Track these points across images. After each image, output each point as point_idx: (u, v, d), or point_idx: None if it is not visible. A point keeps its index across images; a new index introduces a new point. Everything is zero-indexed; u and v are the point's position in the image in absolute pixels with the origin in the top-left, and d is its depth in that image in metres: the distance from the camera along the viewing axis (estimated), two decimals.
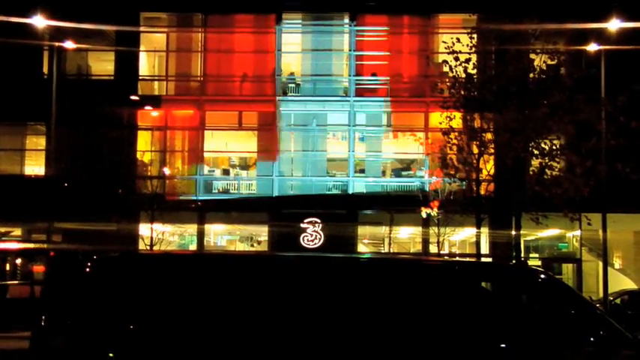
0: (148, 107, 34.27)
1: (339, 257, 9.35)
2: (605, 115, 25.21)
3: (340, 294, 7.19)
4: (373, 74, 34.74)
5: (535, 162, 26.71)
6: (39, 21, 28.30)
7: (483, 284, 7.69)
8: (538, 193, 25.41)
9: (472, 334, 6.92)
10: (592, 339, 6.97)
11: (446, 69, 27.87)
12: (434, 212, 28.85)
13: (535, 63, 26.15)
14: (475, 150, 27.27)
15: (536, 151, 26.00)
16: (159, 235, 31.76)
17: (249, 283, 7.37)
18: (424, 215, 29.17)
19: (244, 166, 36.52)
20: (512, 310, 7.30)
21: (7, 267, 33.07)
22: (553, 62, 26.39)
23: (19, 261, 32.81)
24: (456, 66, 26.48)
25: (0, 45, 30.29)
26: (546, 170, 25.92)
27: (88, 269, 7.45)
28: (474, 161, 27.08)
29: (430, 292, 7.22)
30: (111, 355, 6.96)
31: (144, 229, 32.83)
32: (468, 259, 31.39)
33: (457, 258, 33.33)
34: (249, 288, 7.33)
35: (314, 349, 6.98)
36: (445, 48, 26.44)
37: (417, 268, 7.95)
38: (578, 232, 32.23)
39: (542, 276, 7.75)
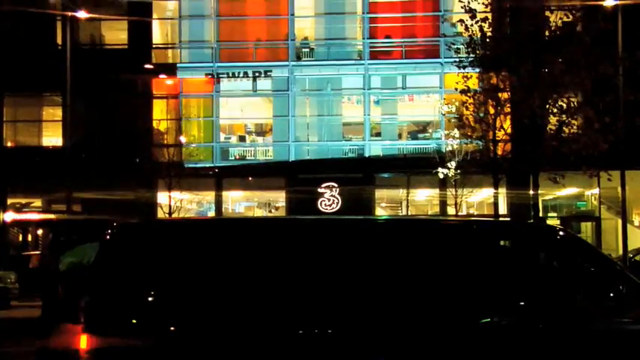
0: (162, 75, 34.26)
1: (360, 219, 9.25)
2: (623, 71, 25.06)
3: (363, 255, 7.06)
4: (387, 36, 34.72)
5: (552, 119, 26.74)
6: None
7: (502, 243, 7.58)
8: (556, 150, 25.44)
9: (492, 293, 6.91)
10: (612, 295, 6.91)
11: (461, 29, 27.71)
12: (451, 172, 28.81)
13: (551, 19, 26.08)
14: (492, 109, 27.37)
15: (553, 109, 26.02)
16: (177, 202, 31.97)
17: (277, 246, 7.21)
18: (441, 176, 29.15)
19: (260, 132, 36.65)
20: (531, 268, 7.21)
21: (29, 238, 33.90)
22: (569, 19, 26.31)
23: (40, 232, 33.51)
24: (471, 25, 26.42)
25: (14, 16, 30.52)
26: (564, 128, 25.91)
27: (109, 236, 7.18)
28: (491, 121, 27.23)
29: (450, 251, 7.12)
30: (134, 321, 6.78)
31: (162, 197, 32.99)
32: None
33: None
34: (276, 252, 7.17)
35: (338, 310, 6.88)
36: (462, 7, 26.24)
37: (436, 228, 7.85)
38: (596, 191, 32.12)
39: (561, 233, 7.67)
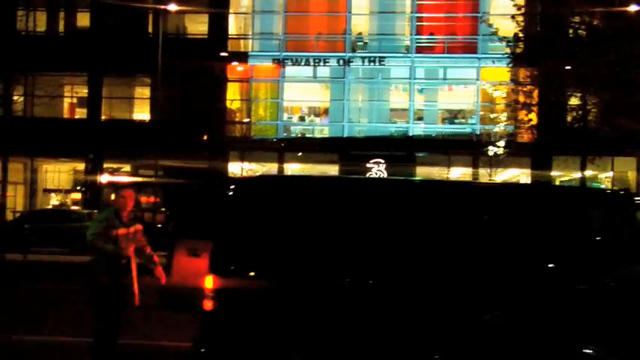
0: (235, 62, 35.31)
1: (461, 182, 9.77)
2: None
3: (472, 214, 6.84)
4: (431, 34, 35.24)
5: (572, 113, 27.78)
6: None
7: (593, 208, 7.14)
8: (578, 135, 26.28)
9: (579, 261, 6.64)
10: None
11: (496, 28, 28.90)
12: (500, 150, 29.82)
13: (575, 20, 26.70)
14: (522, 99, 28.70)
15: (574, 101, 27.06)
16: (246, 172, 33.47)
17: (389, 205, 6.89)
18: (491, 153, 30.12)
19: (317, 113, 37.46)
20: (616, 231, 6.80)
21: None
22: (589, 21, 26.77)
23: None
24: (508, 25, 27.65)
25: (114, 9, 31.86)
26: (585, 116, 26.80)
27: (232, 190, 7.05)
28: (521, 110, 28.37)
29: (545, 216, 6.83)
30: (252, 274, 6.72)
31: (232, 167, 34.53)
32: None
33: None
34: (389, 210, 6.85)
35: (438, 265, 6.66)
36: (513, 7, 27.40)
37: (536, 194, 7.47)
38: (610, 174, 33.04)
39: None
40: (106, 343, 8.13)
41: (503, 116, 30.19)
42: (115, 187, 35.06)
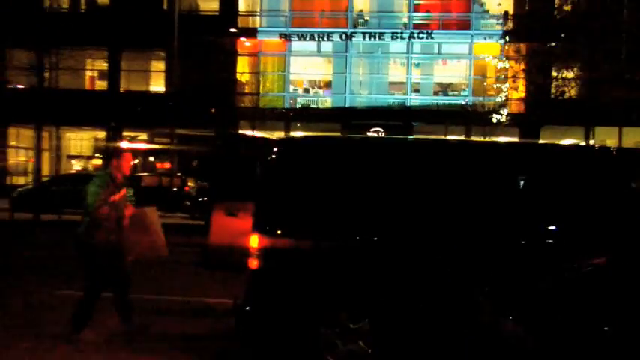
0: (244, 38, 36.45)
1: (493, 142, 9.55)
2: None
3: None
4: (427, 11, 36.22)
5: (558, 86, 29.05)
6: None
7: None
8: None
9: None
10: None
11: (487, 7, 30.22)
12: (503, 118, 30.81)
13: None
14: (510, 73, 30.02)
15: (556, 74, 28.17)
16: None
17: (436, 165, 6.79)
18: (495, 121, 30.88)
19: (321, 86, 38.33)
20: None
21: (140, 163, 37.04)
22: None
23: (151, 158, 36.90)
24: (499, 4, 28.88)
25: None
26: (565, 90, 28.15)
27: (275, 151, 6.86)
28: (510, 83, 29.66)
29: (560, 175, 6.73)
30: (297, 233, 6.63)
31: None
32: None
33: None
34: (435, 169, 6.76)
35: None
36: None
37: (550, 154, 7.16)
38: (591, 142, 34.44)
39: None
40: (95, 298, 7.98)
41: (505, 86, 30.70)
42: (133, 153, 37.22)
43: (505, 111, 31.12)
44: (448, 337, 6.41)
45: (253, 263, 6.66)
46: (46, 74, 31.52)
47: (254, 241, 6.66)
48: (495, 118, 31.00)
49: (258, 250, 6.61)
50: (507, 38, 30.87)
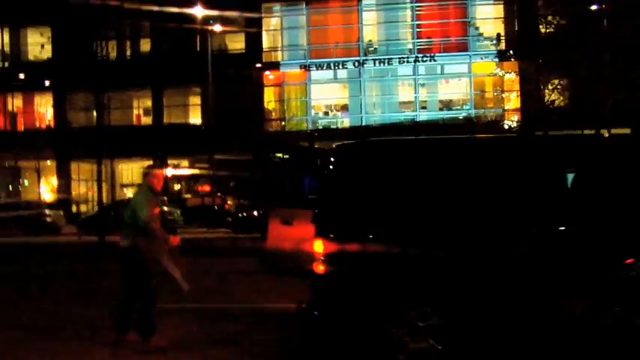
0: (269, 71, 39.00)
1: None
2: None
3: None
4: (429, 37, 38.02)
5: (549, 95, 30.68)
6: (198, 11, 33.90)
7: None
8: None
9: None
10: None
11: (482, 30, 32.91)
12: (514, 124, 32.46)
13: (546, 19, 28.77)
14: (507, 86, 32.73)
15: (550, 87, 29.27)
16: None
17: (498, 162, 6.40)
18: (506, 127, 32.38)
19: (339, 108, 40.25)
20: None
21: (184, 186, 40.30)
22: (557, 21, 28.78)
23: (194, 182, 39.09)
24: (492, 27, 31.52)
25: (168, 34, 36.32)
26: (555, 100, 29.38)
27: (334, 157, 6.59)
28: (505, 97, 32.35)
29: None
30: (371, 236, 6.32)
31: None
32: None
33: None
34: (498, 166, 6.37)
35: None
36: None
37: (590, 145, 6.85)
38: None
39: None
40: (154, 301, 7.74)
41: (512, 95, 32.32)
42: (177, 178, 39.92)
43: (515, 118, 33.31)
44: (524, 333, 6.08)
45: (319, 268, 6.43)
46: (100, 113, 35.15)
47: (318, 246, 6.42)
48: (507, 124, 32.97)
49: (324, 256, 6.37)
50: (501, 57, 33.60)
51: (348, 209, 6.46)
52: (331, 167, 6.65)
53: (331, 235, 6.37)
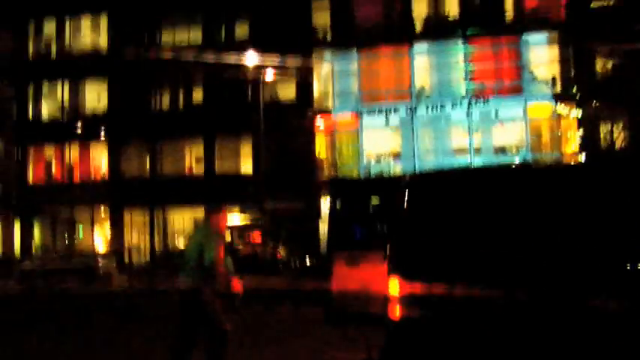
0: (320, 118, 39.29)
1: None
2: None
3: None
4: (481, 82, 37.89)
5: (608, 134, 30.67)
6: (251, 59, 34.70)
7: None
8: None
9: None
10: None
11: (536, 73, 32.48)
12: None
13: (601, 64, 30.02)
14: (563, 131, 32.22)
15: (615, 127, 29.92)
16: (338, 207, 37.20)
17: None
18: None
19: (392, 155, 39.56)
20: None
21: (235, 235, 39.94)
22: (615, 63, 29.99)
23: (245, 230, 39.47)
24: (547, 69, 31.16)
25: (220, 84, 37.31)
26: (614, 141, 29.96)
27: (406, 189, 6.13)
28: (562, 140, 31.90)
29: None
30: (439, 268, 5.84)
31: (324, 207, 37.21)
32: None
33: None
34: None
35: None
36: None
37: None
38: None
39: None
40: (226, 345, 7.60)
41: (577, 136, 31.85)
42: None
43: (573, 161, 32.26)
44: None
45: (395, 313, 5.84)
46: (153, 164, 35.74)
47: (394, 287, 5.85)
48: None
49: (401, 298, 5.79)
50: (557, 100, 33.09)
51: (426, 246, 5.92)
52: (406, 199, 6.14)
53: (407, 275, 5.80)
